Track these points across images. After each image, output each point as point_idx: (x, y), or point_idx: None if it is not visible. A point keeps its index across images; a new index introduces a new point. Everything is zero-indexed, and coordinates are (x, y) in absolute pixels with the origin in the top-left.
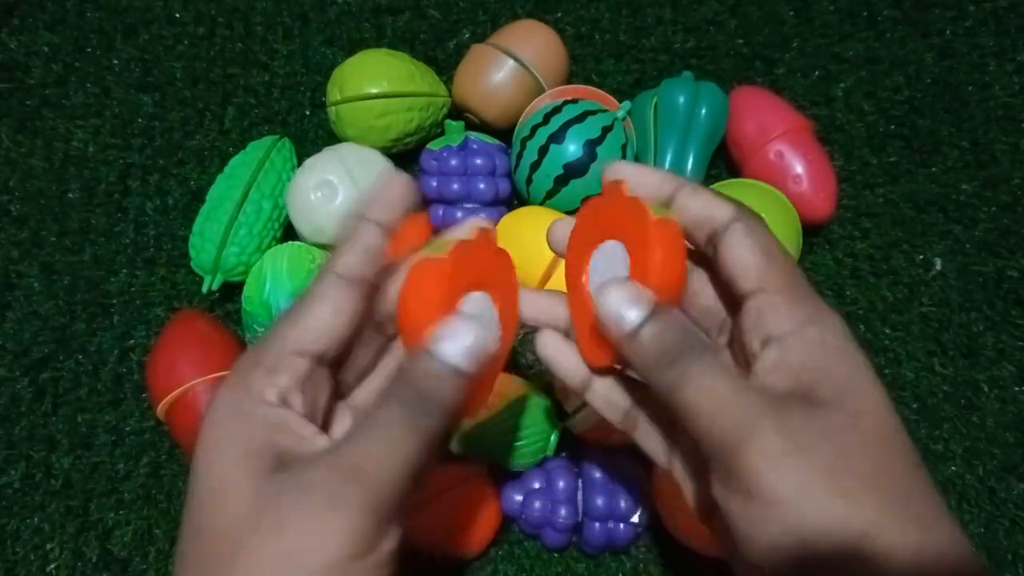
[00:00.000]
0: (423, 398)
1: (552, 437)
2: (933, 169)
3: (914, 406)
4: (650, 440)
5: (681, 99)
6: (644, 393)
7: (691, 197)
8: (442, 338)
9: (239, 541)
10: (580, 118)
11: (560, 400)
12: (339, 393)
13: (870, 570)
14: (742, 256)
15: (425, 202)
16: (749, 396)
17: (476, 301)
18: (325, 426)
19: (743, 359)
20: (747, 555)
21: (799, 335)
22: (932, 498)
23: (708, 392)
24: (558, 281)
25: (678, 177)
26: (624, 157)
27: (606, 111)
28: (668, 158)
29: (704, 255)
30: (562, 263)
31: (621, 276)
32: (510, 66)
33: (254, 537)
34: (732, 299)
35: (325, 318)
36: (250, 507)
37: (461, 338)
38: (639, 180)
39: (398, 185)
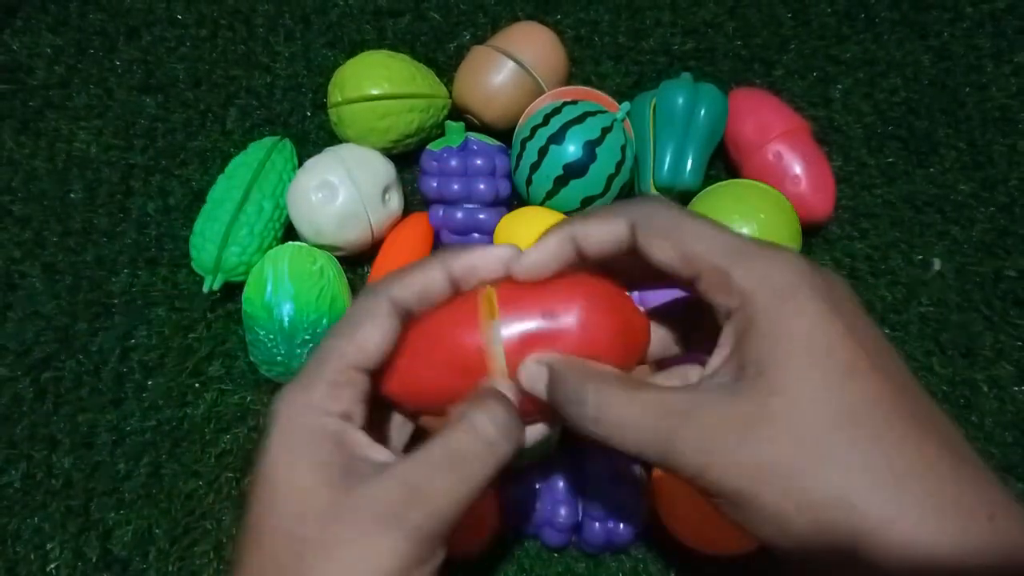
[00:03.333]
0: (505, 431)
1: (553, 436)
2: (931, 170)
3: None
4: None
5: (680, 100)
6: None
7: (584, 233)
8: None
9: (303, 550)
10: (580, 119)
11: None
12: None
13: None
14: (661, 258)
15: (425, 202)
16: (655, 407)
17: None
18: (383, 439)
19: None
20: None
21: (749, 301)
22: (956, 457)
23: (619, 418)
24: None
25: (564, 228)
26: (623, 158)
27: (606, 112)
28: (667, 159)
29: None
30: None
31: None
32: (510, 68)
33: (317, 547)
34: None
35: (378, 338)
36: (320, 515)
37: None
38: (540, 264)
39: (496, 258)
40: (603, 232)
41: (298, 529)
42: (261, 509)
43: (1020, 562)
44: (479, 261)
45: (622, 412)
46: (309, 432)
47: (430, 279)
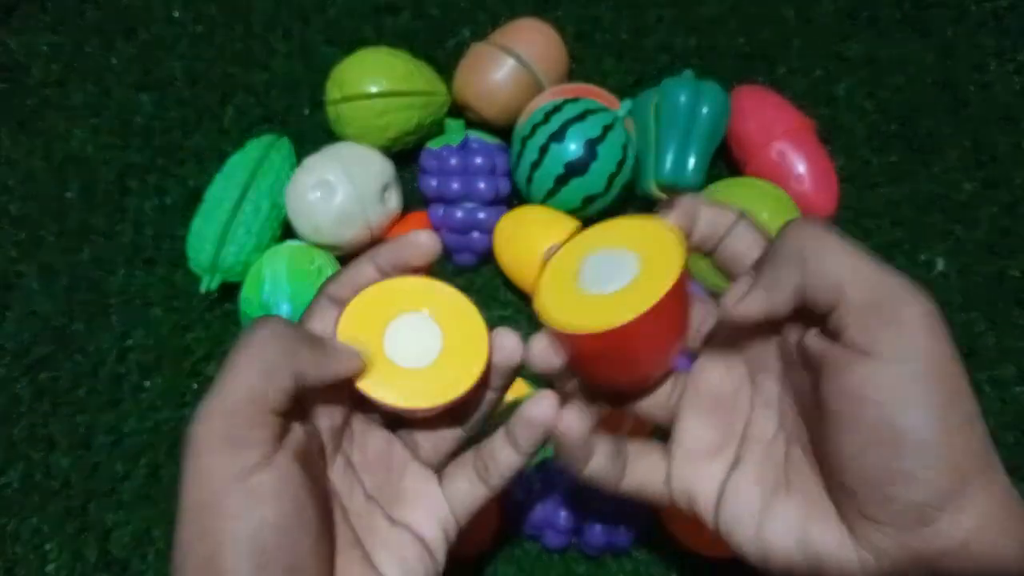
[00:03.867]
0: (251, 328)
1: None
2: (934, 169)
3: None
4: (642, 472)
5: (682, 98)
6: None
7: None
8: None
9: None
10: (581, 117)
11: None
12: None
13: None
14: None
15: (425, 201)
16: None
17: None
18: None
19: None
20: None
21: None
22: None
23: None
24: None
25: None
26: (625, 156)
27: (607, 110)
28: (669, 157)
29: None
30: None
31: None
32: (510, 65)
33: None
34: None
35: (320, 328)
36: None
37: None
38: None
39: (416, 242)
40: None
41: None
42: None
43: None
44: (399, 250)
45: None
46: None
47: (359, 274)
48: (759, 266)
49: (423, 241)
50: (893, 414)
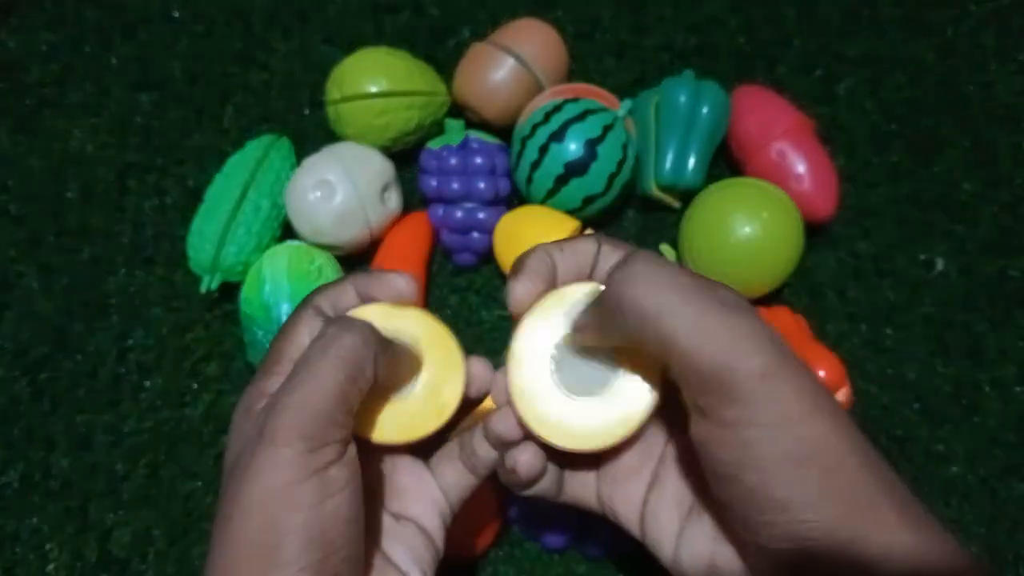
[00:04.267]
0: (340, 332)
1: None
2: (935, 168)
3: (916, 406)
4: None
5: (682, 98)
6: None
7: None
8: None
9: (231, 484)
10: (581, 117)
11: None
12: None
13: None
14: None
15: (425, 201)
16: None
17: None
18: None
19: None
20: (747, 522)
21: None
22: (908, 495)
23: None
24: None
25: (546, 254)
26: (625, 156)
27: (607, 110)
28: (669, 157)
29: None
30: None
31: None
32: (510, 64)
33: (233, 482)
34: None
35: (308, 336)
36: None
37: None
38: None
39: (391, 283)
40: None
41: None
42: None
43: (970, 564)
44: (375, 285)
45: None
46: (246, 414)
47: (340, 294)
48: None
49: (400, 285)
50: (756, 484)
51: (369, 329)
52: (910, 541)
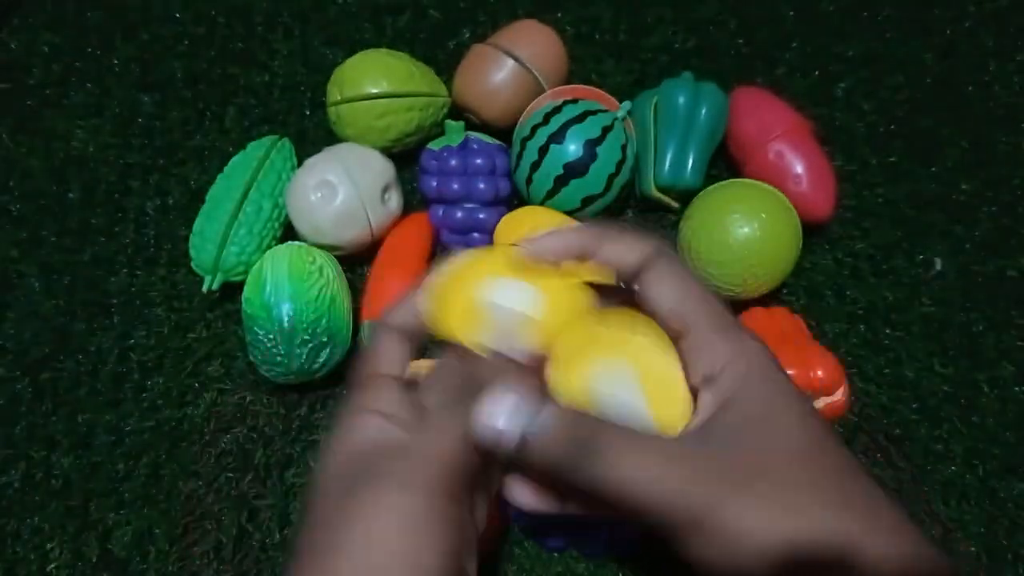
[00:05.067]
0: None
1: None
2: (933, 169)
3: (914, 406)
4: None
5: (681, 99)
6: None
7: (606, 246)
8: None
9: (332, 514)
10: (580, 118)
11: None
12: None
13: None
14: (663, 300)
15: (425, 201)
16: (679, 459)
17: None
18: None
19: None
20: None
21: (729, 372)
22: (891, 504)
23: (637, 473)
24: None
25: (592, 230)
26: (624, 157)
27: (606, 111)
28: (668, 158)
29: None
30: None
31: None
32: (510, 66)
33: (339, 509)
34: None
35: (393, 352)
36: (343, 486)
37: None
38: (550, 246)
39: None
40: (624, 251)
41: (327, 501)
42: (318, 483)
43: (947, 569)
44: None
45: (640, 463)
46: (343, 431)
47: (407, 314)
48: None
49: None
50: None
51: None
52: (893, 549)
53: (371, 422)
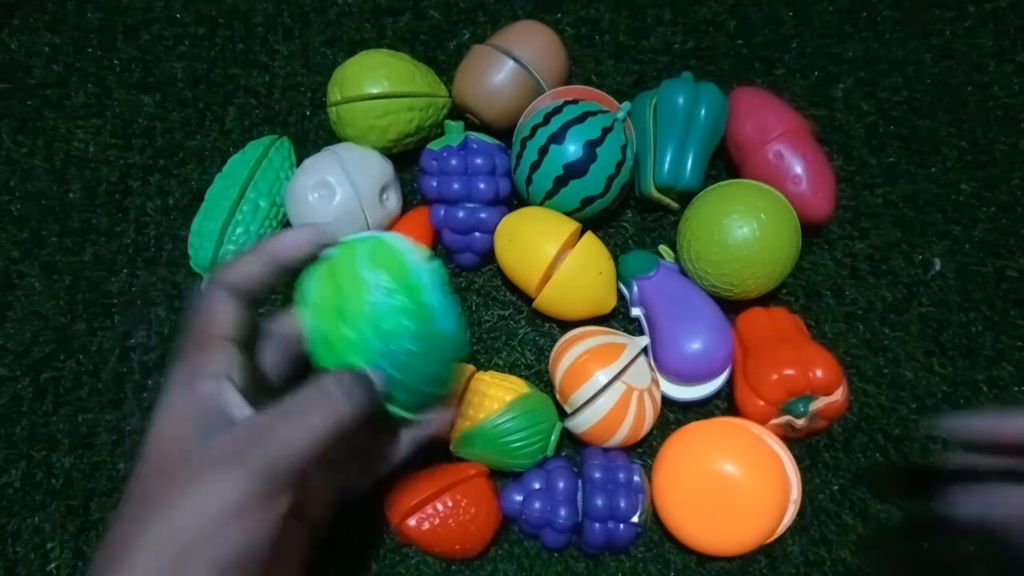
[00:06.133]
0: (348, 392)
1: (552, 437)
2: (932, 169)
3: (913, 406)
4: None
5: (681, 100)
6: None
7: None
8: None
9: (164, 488)
10: (580, 119)
11: (560, 400)
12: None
13: None
14: None
15: (426, 202)
16: None
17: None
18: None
19: None
20: None
21: None
22: None
23: None
24: (558, 281)
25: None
26: (624, 158)
27: (606, 112)
28: (667, 159)
29: None
30: (562, 264)
31: None
32: (510, 67)
33: (174, 485)
34: None
35: (222, 311)
36: (177, 459)
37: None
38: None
39: (297, 237)
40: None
41: (161, 470)
42: (137, 462)
43: None
44: (285, 241)
45: None
46: (183, 392)
47: (248, 264)
48: None
49: (306, 234)
50: None
51: (369, 397)
52: None
53: (206, 387)
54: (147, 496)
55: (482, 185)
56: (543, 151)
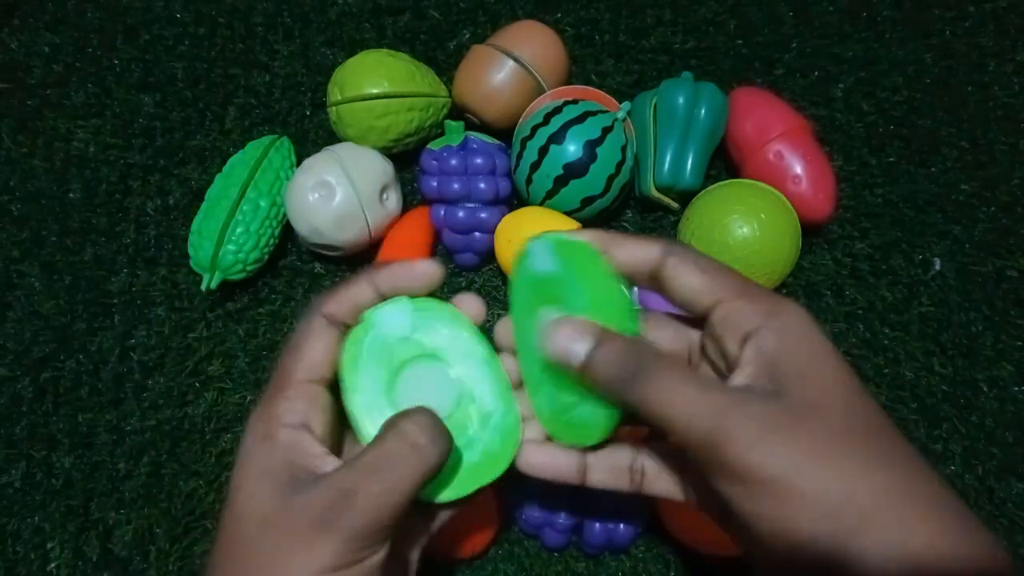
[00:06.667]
0: (433, 439)
1: None
2: (932, 169)
3: (913, 406)
4: (662, 482)
5: (681, 99)
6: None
7: (619, 249)
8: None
9: (250, 553)
10: (580, 119)
11: None
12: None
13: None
14: (688, 282)
15: (426, 202)
16: (714, 393)
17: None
18: (338, 451)
19: (718, 369)
20: (762, 544)
21: (767, 327)
22: (928, 468)
23: (675, 398)
24: None
25: (599, 234)
26: (624, 158)
27: (606, 112)
28: (667, 159)
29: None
30: None
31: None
32: (510, 66)
33: (260, 551)
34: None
35: (320, 350)
36: (263, 522)
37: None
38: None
39: (419, 270)
40: (638, 251)
41: (246, 533)
42: (225, 513)
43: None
44: (401, 275)
45: (679, 390)
46: (263, 443)
47: (357, 293)
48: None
49: (421, 271)
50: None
51: (446, 438)
52: (933, 511)
53: (284, 437)
54: (237, 560)
55: (482, 185)
56: (543, 151)
